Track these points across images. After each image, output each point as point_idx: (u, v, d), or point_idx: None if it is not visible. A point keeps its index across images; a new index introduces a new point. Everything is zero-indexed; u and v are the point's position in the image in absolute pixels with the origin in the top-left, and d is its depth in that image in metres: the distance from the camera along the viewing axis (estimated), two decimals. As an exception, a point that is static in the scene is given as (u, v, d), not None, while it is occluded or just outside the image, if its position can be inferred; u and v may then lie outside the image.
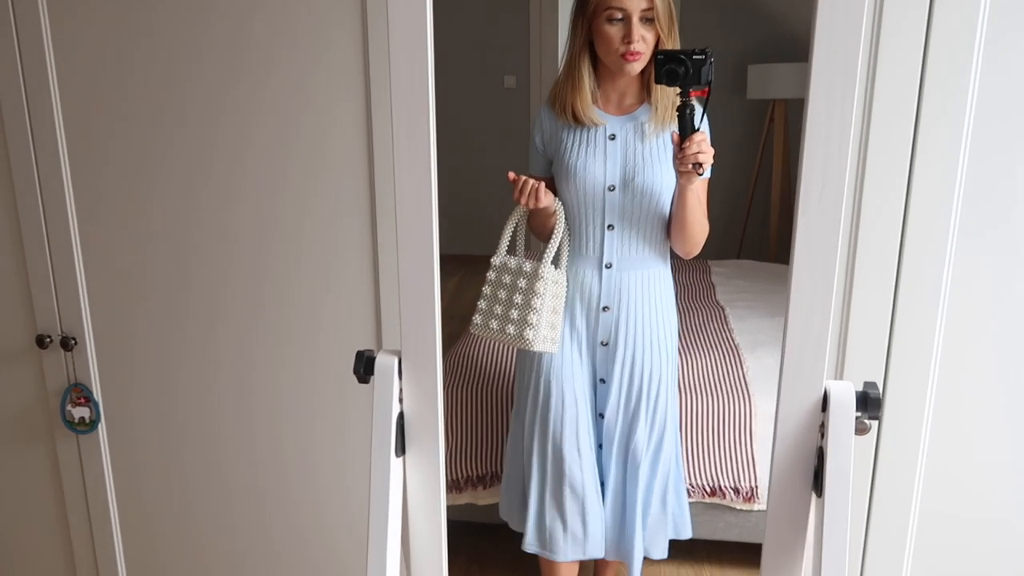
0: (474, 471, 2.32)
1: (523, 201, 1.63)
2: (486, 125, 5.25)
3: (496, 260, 1.70)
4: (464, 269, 5.14)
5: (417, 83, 0.87)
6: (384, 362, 0.95)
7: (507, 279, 1.68)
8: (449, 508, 2.32)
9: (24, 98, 1.46)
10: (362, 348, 1.42)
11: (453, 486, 2.33)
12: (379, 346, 1.45)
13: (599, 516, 1.82)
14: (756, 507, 2.24)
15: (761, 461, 2.24)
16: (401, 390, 0.97)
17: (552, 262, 1.67)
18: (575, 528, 1.81)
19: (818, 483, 0.88)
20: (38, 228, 1.52)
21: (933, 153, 1.11)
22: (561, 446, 1.76)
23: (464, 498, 2.32)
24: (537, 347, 1.64)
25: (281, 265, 1.48)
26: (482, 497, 2.32)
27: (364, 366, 0.96)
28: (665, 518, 1.87)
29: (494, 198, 4.41)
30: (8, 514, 1.74)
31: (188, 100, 1.43)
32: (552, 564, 1.88)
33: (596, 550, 1.84)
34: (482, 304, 1.71)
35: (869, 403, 0.84)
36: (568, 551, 1.83)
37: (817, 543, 0.85)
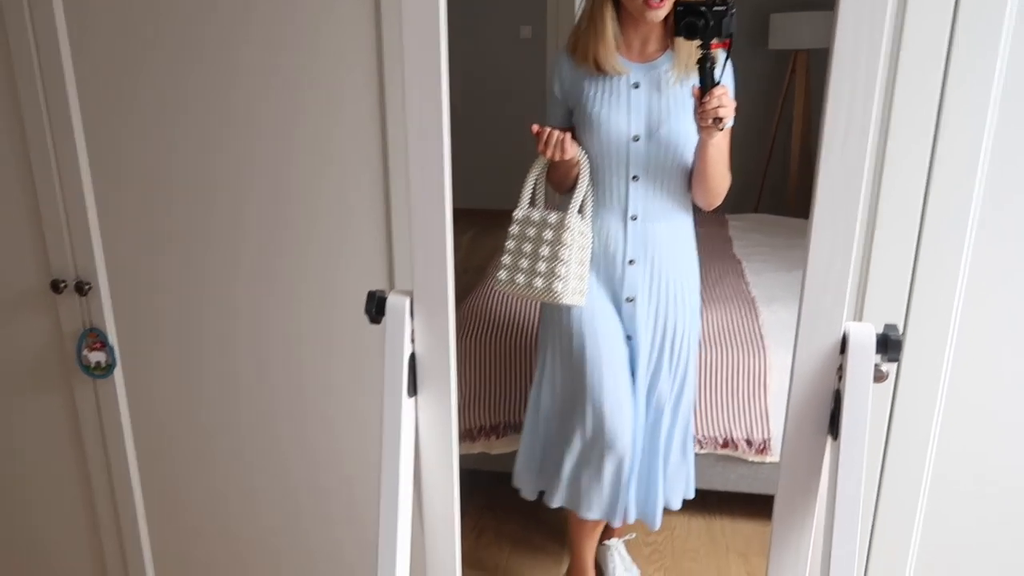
0: (487, 421, 2.34)
1: (548, 153, 1.59)
2: (502, 77, 5.17)
3: (518, 213, 1.67)
4: (480, 223, 5.11)
5: (430, 26, 0.84)
6: (395, 302, 0.94)
7: (531, 232, 1.64)
8: (462, 457, 2.33)
9: (32, 37, 1.43)
10: (373, 285, 1.42)
11: (467, 435, 2.35)
12: (391, 285, 1.44)
13: (634, 472, 1.81)
14: (768, 459, 2.25)
15: (774, 414, 2.24)
16: (413, 331, 0.96)
17: (577, 212, 1.64)
18: (611, 485, 1.79)
19: (834, 426, 0.87)
20: (49, 173, 1.52)
21: (962, 93, 1.07)
22: (601, 403, 1.73)
23: (478, 447, 2.34)
24: (566, 300, 1.61)
25: (295, 208, 1.47)
26: (495, 446, 2.33)
27: (375, 306, 0.95)
28: (684, 467, 1.87)
29: (510, 151, 4.36)
30: (27, 458, 1.76)
31: (204, 39, 1.41)
32: (582, 521, 1.89)
33: (630, 511, 1.83)
34: (506, 259, 1.67)
35: (889, 345, 0.83)
36: (602, 508, 1.82)
37: (831, 486, 0.84)
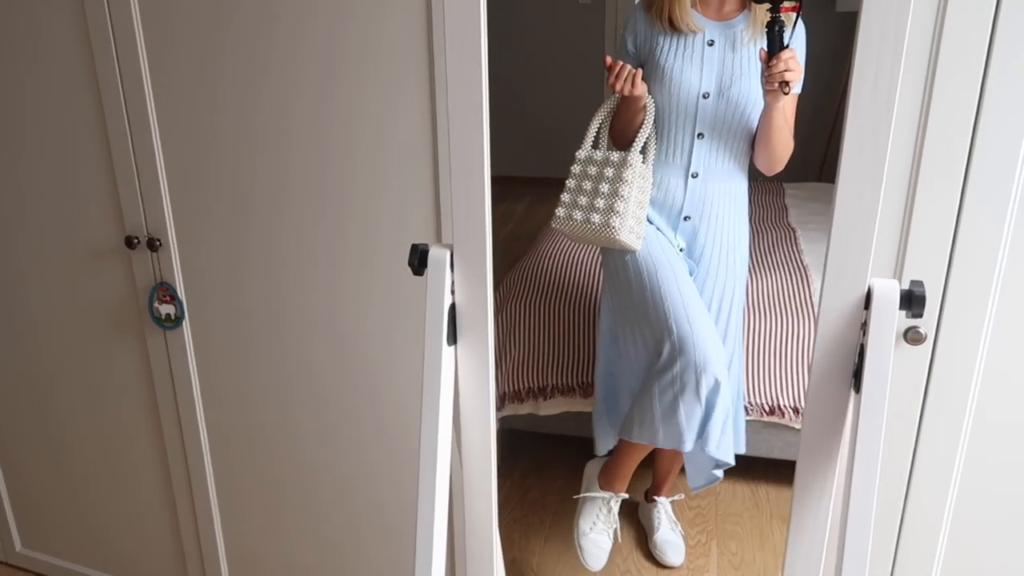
0: (535, 383, 2.39)
1: (619, 87, 1.59)
2: (559, 43, 5.13)
3: (581, 153, 1.68)
4: (534, 191, 5.11)
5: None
6: (437, 255, 1.00)
7: (593, 170, 1.65)
8: (511, 418, 2.40)
9: (107, 9, 1.52)
10: (421, 239, 1.46)
11: (515, 397, 2.41)
12: (438, 238, 1.48)
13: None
14: (816, 427, 2.24)
15: (824, 382, 2.23)
16: (453, 282, 1.01)
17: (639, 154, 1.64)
18: (705, 405, 1.74)
19: (857, 381, 0.89)
20: (124, 137, 1.61)
21: (1012, 47, 1.05)
22: (689, 327, 1.68)
23: (525, 408, 2.40)
24: (623, 236, 1.62)
25: (341, 161, 1.49)
26: (543, 408, 2.39)
27: (418, 258, 1.00)
28: (736, 422, 1.87)
29: (567, 119, 4.34)
30: (106, 403, 1.90)
31: (271, 10, 1.45)
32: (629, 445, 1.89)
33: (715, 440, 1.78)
34: (565, 197, 1.68)
35: (914, 301, 0.84)
36: (647, 430, 1.80)
37: (852, 438, 0.86)
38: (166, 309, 1.74)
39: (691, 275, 1.77)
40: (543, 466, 2.50)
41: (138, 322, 1.78)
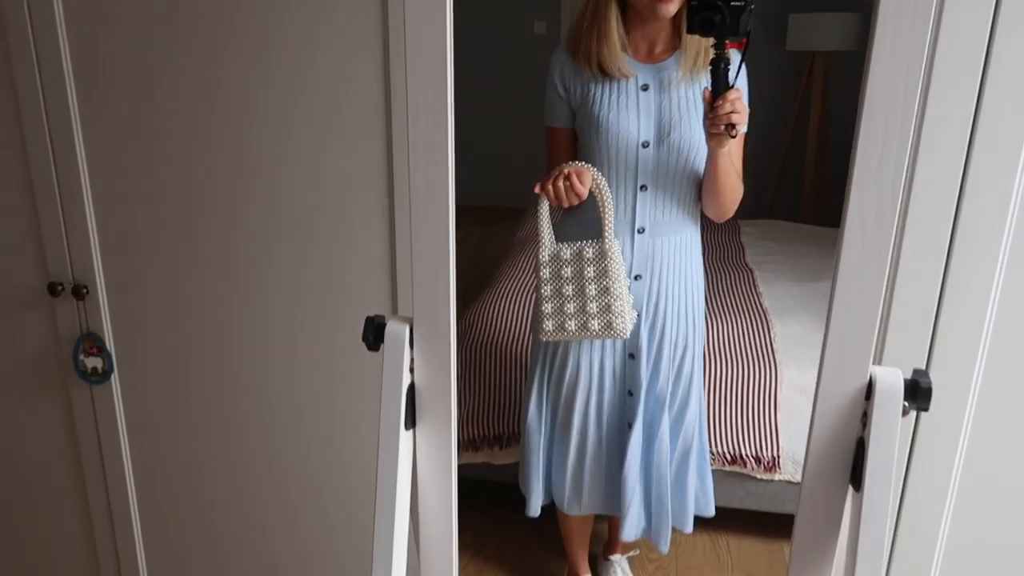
0: (491, 431, 2.29)
1: (566, 203, 1.48)
2: (515, 73, 5.11)
3: (543, 254, 1.54)
4: (491, 221, 5.06)
5: (436, 32, 0.79)
6: (394, 329, 0.90)
7: (567, 271, 1.51)
8: (465, 467, 2.30)
9: (32, 44, 1.40)
10: (374, 309, 1.37)
11: (469, 445, 2.30)
12: (394, 310, 1.39)
13: (611, 488, 1.77)
14: (777, 477, 2.20)
15: (784, 430, 2.19)
16: (412, 359, 0.92)
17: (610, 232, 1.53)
18: (591, 486, 1.76)
19: (855, 476, 0.82)
20: (48, 174, 1.48)
21: (993, 131, 1.01)
22: (586, 425, 1.70)
23: (481, 457, 2.30)
24: (628, 332, 1.51)
25: (295, 221, 1.43)
26: (499, 457, 2.29)
27: (374, 333, 0.90)
28: (695, 487, 1.81)
29: (523, 149, 4.30)
30: (23, 463, 1.73)
31: (196, 47, 1.36)
32: (567, 517, 1.86)
33: (609, 507, 1.80)
34: (547, 307, 1.52)
35: (919, 392, 0.78)
36: (585, 505, 1.79)
37: (852, 540, 0.79)
38: (92, 362, 1.60)
39: (632, 357, 1.68)
40: (499, 519, 2.40)
41: (61, 376, 1.63)
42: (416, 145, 0.79)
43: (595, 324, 1.49)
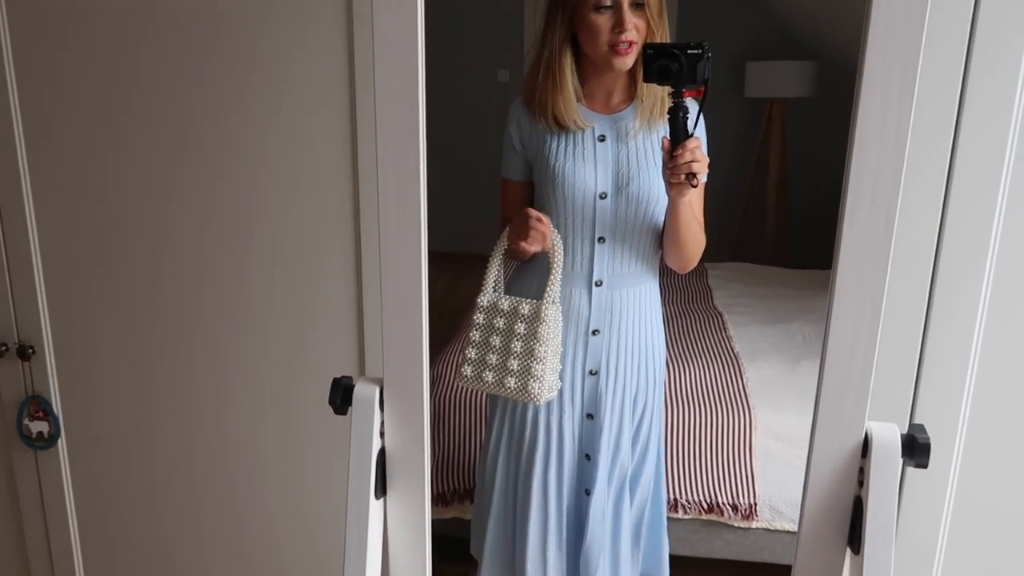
0: (462, 484, 2.22)
1: (532, 250, 1.44)
2: (479, 121, 5.13)
3: (483, 300, 1.49)
4: (455, 267, 5.02)
5: (406, 91, 0.76)
6: (363, 392, 0.84)
7: (500, 323, 1.47)
8: (435, 523, 2.21)
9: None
10: (343, 373, 1.31)
11: (439, 500, 2.23)
12: (361, 371, 1.34)
13: (573, 559, 1.69)
14: (755, 524, 2.15)
15: (760, 476, 2.15)
16: (383, 423, 0.86)
17: (537, 296, 1.47)
18: (555, 567, 1.68)
19: (853, 537, 0.78)
20: (-7, 228, 1.41)
21: (970, 181, 1.01)
22: (546, 494, 1.60)
23: (450, 512, 2.23)
24: (543, 400, 1.45)
25: (258, 281, 1.38)
26: (469, 511, 2.21)
27: (341, 395, 0.85)
28: (640, 543, 1.73)
29: (487, 195, 4.30)
30: (-39, 534, 1.62)
31: (157, 104, 1.33)
32: None
33: None
34: (471, 353, 1.49)
35: (916, 449, 0.74)
36: None
37: (853, 606, 0.75)
38: (38, 427, 1.50)
39: (591, 417, 1.60)
40: (471, 575, 2.31)
41: (3, 441, 1.54)
42: (387, 203, 0.75)
43: (511, 382, 1.45)
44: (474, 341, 1.49)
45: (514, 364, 1.44)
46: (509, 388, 1.45)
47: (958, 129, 1.00)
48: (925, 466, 0.74)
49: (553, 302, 1.45)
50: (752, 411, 2.20)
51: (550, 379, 1.46)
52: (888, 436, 0.74)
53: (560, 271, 1.46)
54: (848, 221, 0.69)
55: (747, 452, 2.17)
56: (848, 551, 0.79)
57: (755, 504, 2.15)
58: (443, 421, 2.27)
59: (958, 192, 1.02)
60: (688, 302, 3.10)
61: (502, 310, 1.48)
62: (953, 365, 1.05)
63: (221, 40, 1.29)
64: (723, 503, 2.15)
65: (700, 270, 3.53)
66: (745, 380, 2.34)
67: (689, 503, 2.16)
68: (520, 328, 1.45)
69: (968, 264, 1.03)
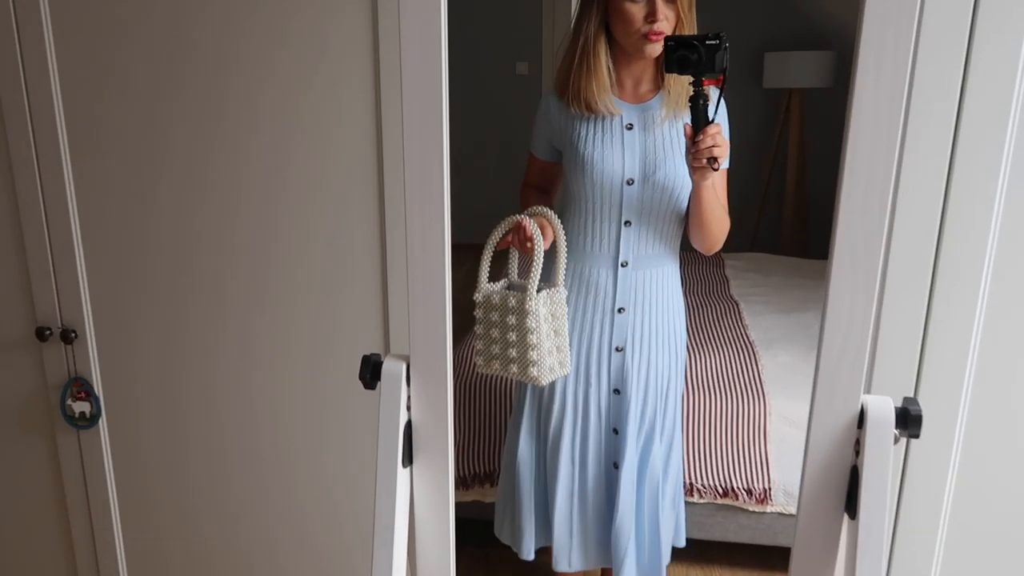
0: (482, 468, 2.28)
1: (528, 247, 1.50)
2: (498, 113, 5.18)
3: (478, 296, 1.55)
4: (474, 259, 5.06)
5: (430, 80, 0.81)
6: (391, 368, 0.90)
7: (495, 316, 1.53)
8: (455, 505, 2.28)
9: (24, 90, 1.41)
10: (369, 351, 1.37)
11: (460, 483, 2.29)
12: (387, 350, 1.40)
13: (603, 533, 1.76)
14: (769, 509, 2.19)
15: (775, 462, 2.19)
16: (409, 397, 0.92)
17: (544, 278, 1.54)
18: (582, 540, 1.75)
19: (851, 504, 0.82)
20: (38, 219, 1.48)
21: (973, 157, 1.05)
22: (573, 465, 1.69)
23: (471, 495, 2.29)
24: (545, 381, 1.52)
25: (286, 265, 1.44)
26: (489, 494, 2.28)
27: (370, 371, 0.91)
28: (671, 522, 1.80)
29: (505, 186, 4.35)
30: (8, 509, 1.70)
31: (189, 94, 1.39)
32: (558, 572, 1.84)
33: (603, 560, 1.79)
34: (478, 344, 1.57)
35: (909, 420, 0.79)
36: (575, 562, 1.78)
37: (849, 568, 0.80)
38: (80, 407, 1.58)
39: (617, 392, 1.68)
40: (490, 556, 2.37)
41: (47, 421, 1.61)
42: (413, 188, 0.80)
43: (514, 369, 1.53)
44: (478, 333, 1.57)
45: (512, 352, 1.52)
46: (513, 373, 1.53)
47: (961, 107, 1.04)
48: (917, 436, 0.79)
49: (536, 293, 1.50)
50: (767, 398, 2.24)
51: (549, 362, 1.52)
52: (883, 408, 0.78)
53: (539, 271, 1.50)
54: (844, 202, 0.73)
55: (762, 438, 2.21)
56: (845, 517, 0.84)
57: (769, 489, 2.18)
58: (463, 408, 2.33)
59: (960, 173, 1.06)
60: (705, 291, 3.14)
61: (494, 305, 1.54)
62: (956, 343, 1.09)
63: (249, 28, 1.35)
64: (738, 488, 2.19)
65: (717, 260, 3.56)
66: (760, 368, 2.38)
67: (705, 488, 2.20)
68: (511, 320, 1.51)
69: (970, 244, 1.07)
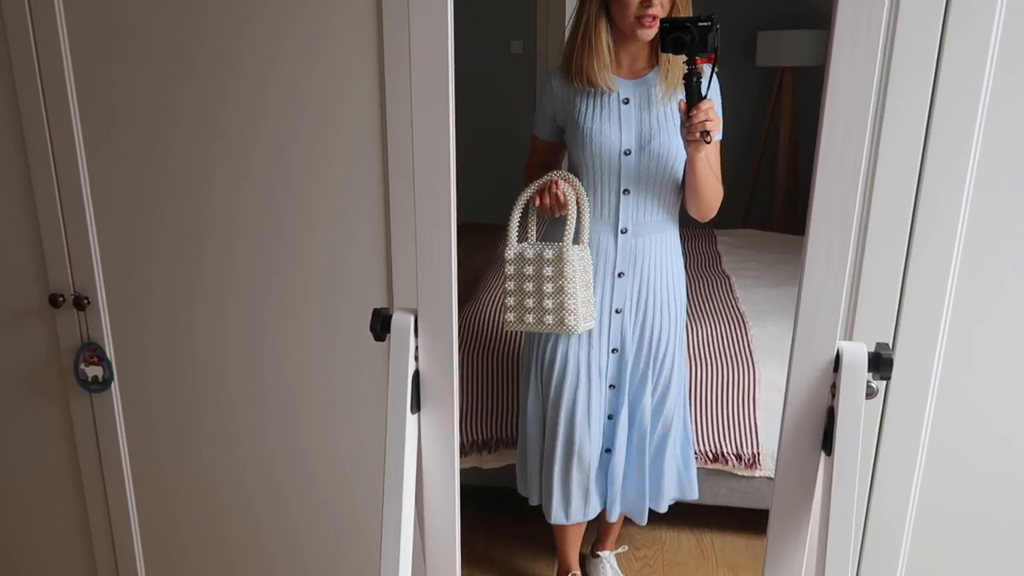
0: (479, 435, 2.35)
1: (556, 214, 1.61)
2: (492, 91, 5.21)
3: (510, 252, 1.65)
4: (469, 237, 5.13)
5: (438, 50, 0.87)
6: (400, 320, 0.96)
7: (529, 269, 1.63)
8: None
9: (36, 60, 1.45)
10: (372, 304, 1.43)
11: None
12: (390, 302, 1.46)
13: (602, 481, 1.86)
14: (758, 473, 2.27)
15: (764, 428, 2.27)
16: (417, 348, 0.98)
17: (572, 238, 1.64)
18: (579, 493, 1.85)
19: (827, 443, 0.89)
20: (50, 187, 1.53)
21: (949, 113, 1.11)
22: (573, 419, 1.78)
23: (469, 462, 2.35)
24: (581, 329, 1.62)
25: (293, 223, 1.48)
26: (487, 461, 2.34)
27: (381, 324, 0.97)
28: (661, 471, 1.90)
29: (500, 166, 4.40)
30: (23, 473, 1.76)
31: (198, 61, 1.43)
32: (563, 525, 1.93)
33: (595, 511, 1.89)
34: (510, 300, 1.65)
35: (881, 364, 0.86)
36: (573, 514, 1.88)
37: (825, 500, 0.86)
38: (93, 371, 1.64)
39: (615, 351, 1.78)
40: (487, 521, 2.44)
41: (61, 385, 1.67)
42: (420, 140, 0.86)
43: (549, 319, 1.62)
44: (510, 290, 1.66)
45: (549, 303, 1.61)
46: (548, 324, 1.62)
47: (937, 73, 1.10)
48: (888, 378, 0.86)
49: (572, 244, 1.61)
50: (756, 367, 2.31)
51: (583, 311, 1.62)
52: (856, 353, 0.85)
53: (576, 219, 1.61)
54: (823, 157, 0.79)
55: (751, 405, 2.28)
56: (823, 456, 0.91)
57: (758, 454, 2.26)
58: (461, 378, 2.39)
59: (936, 136, 1.12)
60: (697, 265, 3.20)
61: (528, 258, 1.63)
62: (932, 293, 1.16)
63: (254, 18, 1.39)
64: (728, 453, 2.27)
65: (710, 236, 3.63)
66: (750, 337, 2.45)
67: (696, 453, 2.27)
68: (548, 271, 1.60)
69: (945, 202, 1.14)
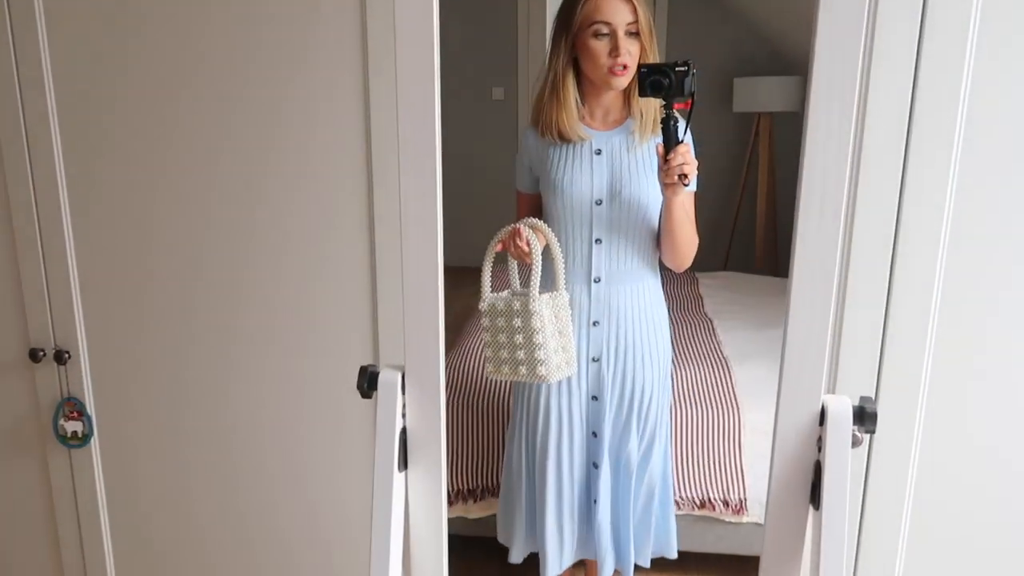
0: (465, 484, 2.33)
1: (527, 261, 1.60)
2: (474, 137, 5.27)
3: (483, 305, 1.65)
4: (451, 280, 5.13)
5: (425, 91, 0.88)
6: (388, 377, 0.96)
7: (501, 322, 1.63)
8: (440, 521, 2.32)
9: (20, 107, 1.46)
10: (358, 360, 1.43)
11: (444, 498, 2.32)
12: (376, 359, 1.45)
13: (586, 529, 1.84)
14: (745, 519, 2.26)
15: (750, 473, 2.26)
16: (404, 405, 0.98)
17: (544, 285, 1.64)
18: (565, 542, 1.83)
19: (815, 496, 0.89)
20: (33, 241, 1.52)
21: (925, 167, 1.14)
22: (559, 467, 1.78)
23: (455, 511, 2.33)
24: (554, 378, 1.61)
25: (278, 278, 1.48)
26: (472, 511, 2.32)
27: (368, 381, 0.97)
28: (649, 524, 1.88)
29: (481, 210, 4.43)
30: (-2, 528, 1.72)
31: (183, 114, 1.44)
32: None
33: (582, 552, 1.88)
34: (488, 352, 1.66)
35: (865, 417, 0.86)
36: (564, 561, 1.85)
37: (815, 554, 0.86)
38: (72, 426, 1.61)
39: (595, 399, 1.78)
40: (473, 571, 2.41)
41: (39, 441, 1.64)
42: (408, 201, 0.87)
43: (523, 369, 1.61)
44: (487, 341, 1.66)
45: (520, 354, 1.60)
46: (523, 374, 1.61)
47: (911, 123, 1.13)
48: (873, 431, 0.86)
49: (544, 292, 1.61)
50: (740, 410, 2.32)
51: (557, 359, 1.61)
52: (841, 407, 0.86)
53: (539, 267, 1.59)
54: (803, 214, 0.81)
55: (736, 449, 2.28)
56: (811, 510, 0.91)
57: (745, 499, 2.25)
58: (446, 426, 2.37)
59: (911, 190, 1.15)
60: (680, 309, 3.23)
61: (499, 311, 1.63)
62: (912, 347, 1.17)
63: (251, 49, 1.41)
64: (714, 499, 2.26)
65: (691, 279, 3.66)
66: (734, 381, 2.46)
67: (682, 499, 2.26)
68: (517, 323, 1.60)
69: (922, 257, 1.16)
